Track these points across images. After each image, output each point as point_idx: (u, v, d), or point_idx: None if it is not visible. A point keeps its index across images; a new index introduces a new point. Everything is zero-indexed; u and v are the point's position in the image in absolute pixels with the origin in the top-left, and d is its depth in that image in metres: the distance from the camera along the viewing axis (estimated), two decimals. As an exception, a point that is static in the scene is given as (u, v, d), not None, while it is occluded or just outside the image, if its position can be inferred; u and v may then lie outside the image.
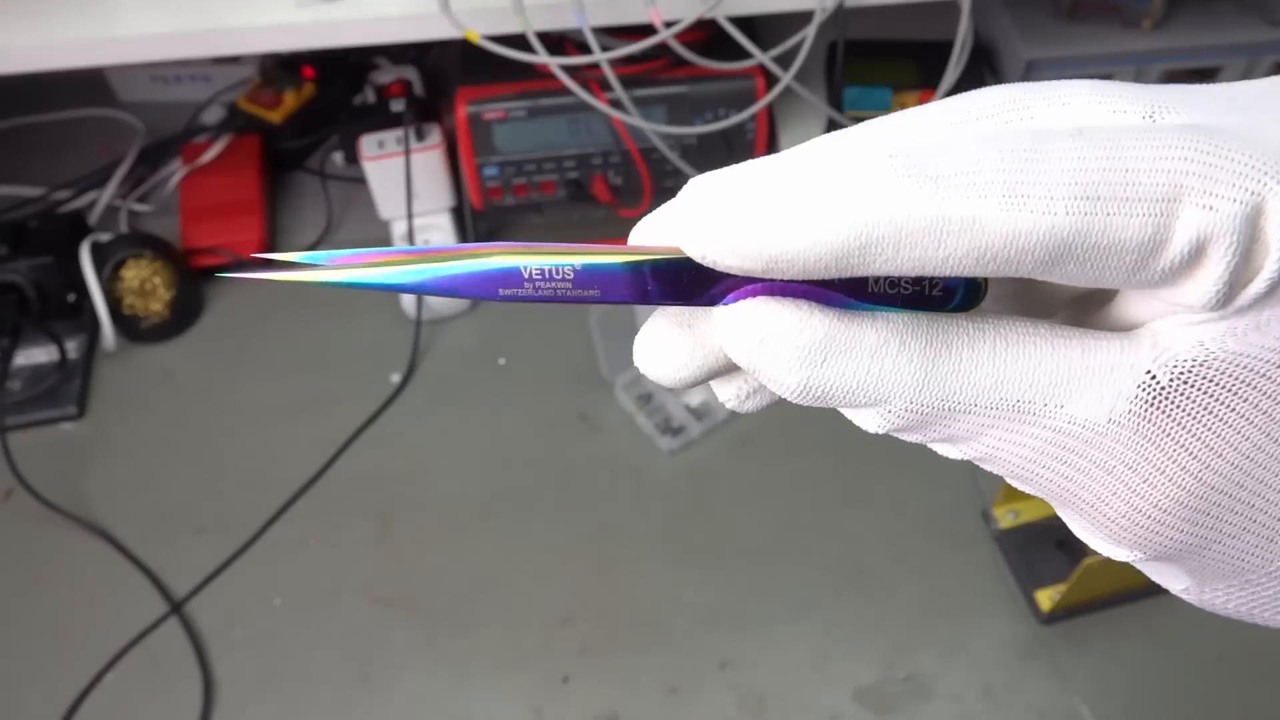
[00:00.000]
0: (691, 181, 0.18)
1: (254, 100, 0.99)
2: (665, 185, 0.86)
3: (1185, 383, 0.17)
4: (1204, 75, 0.87)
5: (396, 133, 0.88)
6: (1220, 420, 0.17)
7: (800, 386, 0.18)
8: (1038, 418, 0.18)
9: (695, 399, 0.82)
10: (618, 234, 0.90)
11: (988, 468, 0.19)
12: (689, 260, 0.18)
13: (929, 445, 0.20)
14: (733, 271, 0.17)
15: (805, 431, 0.80)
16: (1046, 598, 0.68)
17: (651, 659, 0.69)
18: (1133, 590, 0.69)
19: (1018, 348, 0.18)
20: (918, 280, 0.19)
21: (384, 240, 0.93)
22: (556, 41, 0.77)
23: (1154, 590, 0.70)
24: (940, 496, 0.75)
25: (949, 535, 0.74)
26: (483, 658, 0.69)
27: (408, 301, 0.88)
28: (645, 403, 0.82)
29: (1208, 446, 0.17)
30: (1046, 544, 0.72)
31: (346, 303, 0.90)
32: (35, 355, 0.85)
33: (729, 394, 0.21)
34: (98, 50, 0.74)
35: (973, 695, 0.66)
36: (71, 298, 0.87)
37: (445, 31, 0.72)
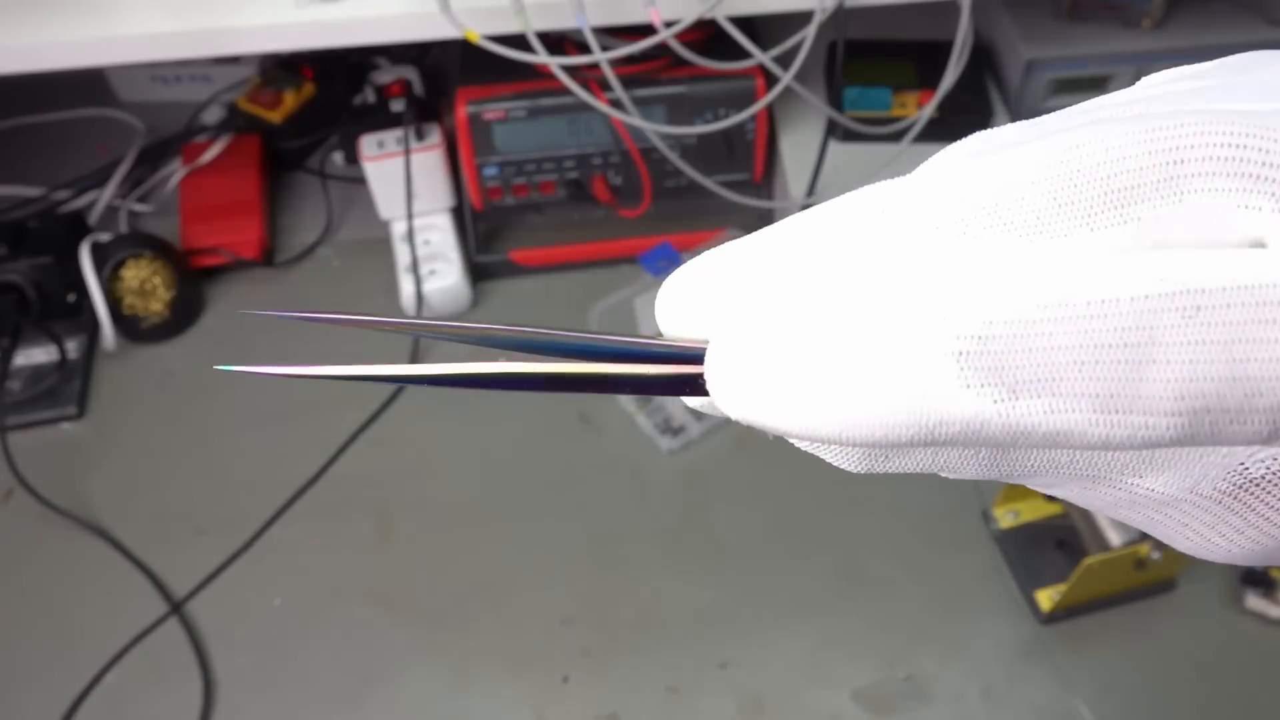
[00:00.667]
0: (725, 334, 0.16)
1: (254, 100, 0.99)
2: (665, 185, 0.86)
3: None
4: (1204, 75, 0.87)
5: (396, 133, 0.88)
6: None
7: (863, 458, 0.17)
8: (1113, 484, 0.17)
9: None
10: (618, 234, 0.90)
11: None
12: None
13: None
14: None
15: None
16: (1046, 598, 0.68)
17: (651, 659, 0.69)
18: (1133, 590, 0.69)
19: None
20: None
21: (383, 240, 0.93)
22: (556, 41, 0.77)
23: (1154, 590, 0.70)
24: (940, 497, 0.75)
25: (949, 536, 0.74)
26: (483, 658, 0.69)
27: (407, 300, 0.88)
28: (645, 403, 0.82)
29: None
30: (1046, 544, 0.72)
31: (347, 303, 0.90)
32: (35, 355, 0.85)
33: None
34: (98, 50, 0.74)
35: (973, 695, 0.66)
36: (71, 298, 0.87)
37: (445, 31, 0.72)
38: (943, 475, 0.18)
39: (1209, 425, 0.13)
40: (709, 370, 0.16)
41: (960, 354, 0.13)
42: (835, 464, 0.18)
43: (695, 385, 0.17)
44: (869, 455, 0.17)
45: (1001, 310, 0.13)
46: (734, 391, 0.15)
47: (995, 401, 0.13)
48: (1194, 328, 0.13)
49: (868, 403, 0.14)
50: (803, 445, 0.17)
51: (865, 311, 0.14)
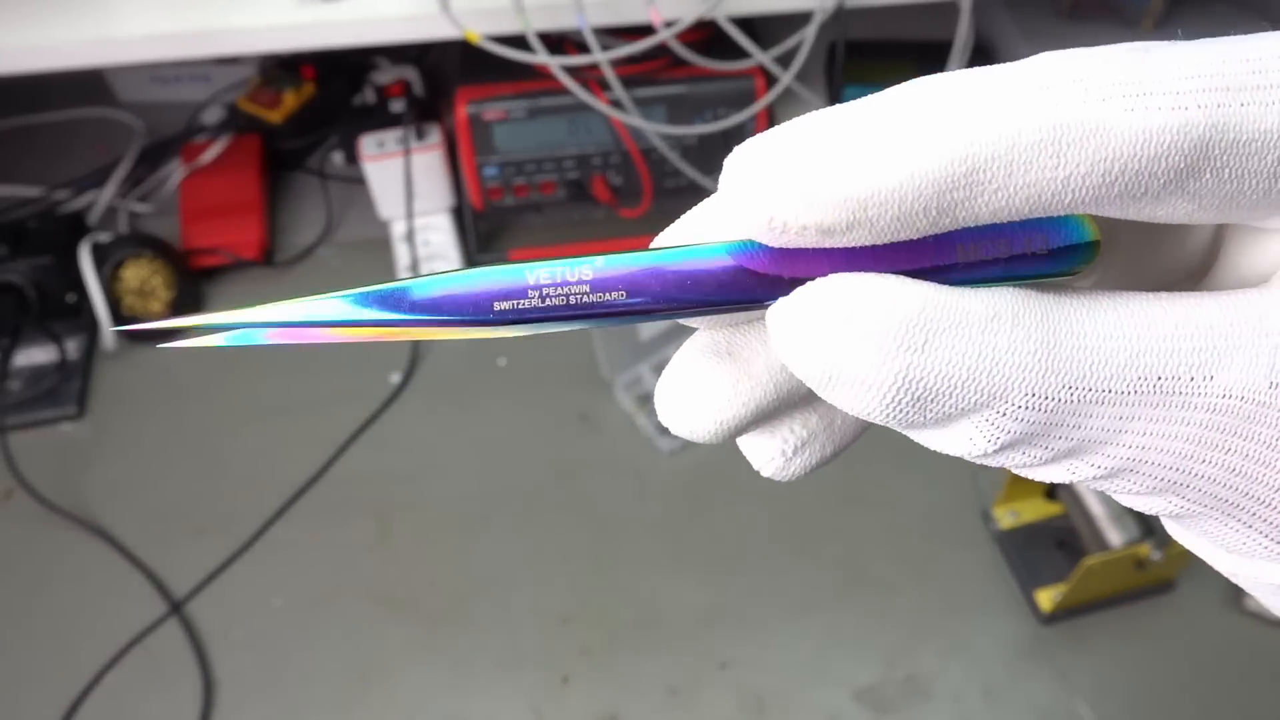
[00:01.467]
0: (737, 148, 0.14)
1: (254, 100, 0.99)
2: (665, 185, 0.86)
3: None
4: (1204, 75, 0.87)
5: (396, 133, 0.88)
6: None
7: (896, 382, 0.14)
8: (1187, 396, 0.14)
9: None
10: (617, 234, 0.90)
11: (1128, 486, 0.15)
12: (742, 245, 0.15)
13: (1048, 471, 0.16)
14: (802, 242, 0.14)
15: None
16: (1047, 598, 0.68)
17: (651, 659, 0.69)
18: (1133, 590, 0.69)
19: (1147, 313, 0.14)
20: (1016, 244, 0.16)
21: (383, 240, 0.93)
22: (556, 41, 0.77)
23: (1154, 590, 0.70)
24: (940, 496, 0.75)
25: (949, 535, 0.74)
26: (483, 658, 0.69)
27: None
28: (645, 403, 0.82)
29: None
30: (1046, 544, 0.72)
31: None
32: (35, 355, 0.85)
33: (771, 450, 0.17)
34: (98, 50, 0.74)
35: (973, 695, 0.66)
36: (71, 298, 0.87)
37: (445, 31, 0.72)
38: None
39: (1237, 106, 0.14)
40: (731, 175, 0.14)
41: (989, 70, 0.14)
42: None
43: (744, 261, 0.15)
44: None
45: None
46: (765, 176, 0.14)
47: (1031, 94, 0.13)
48: (1187, 44, 0.14)
49: (917, 129, 0.13)
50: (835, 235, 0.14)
51: (886, 92, 0.14)
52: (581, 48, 0.75)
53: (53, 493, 0.78)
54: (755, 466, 0.17)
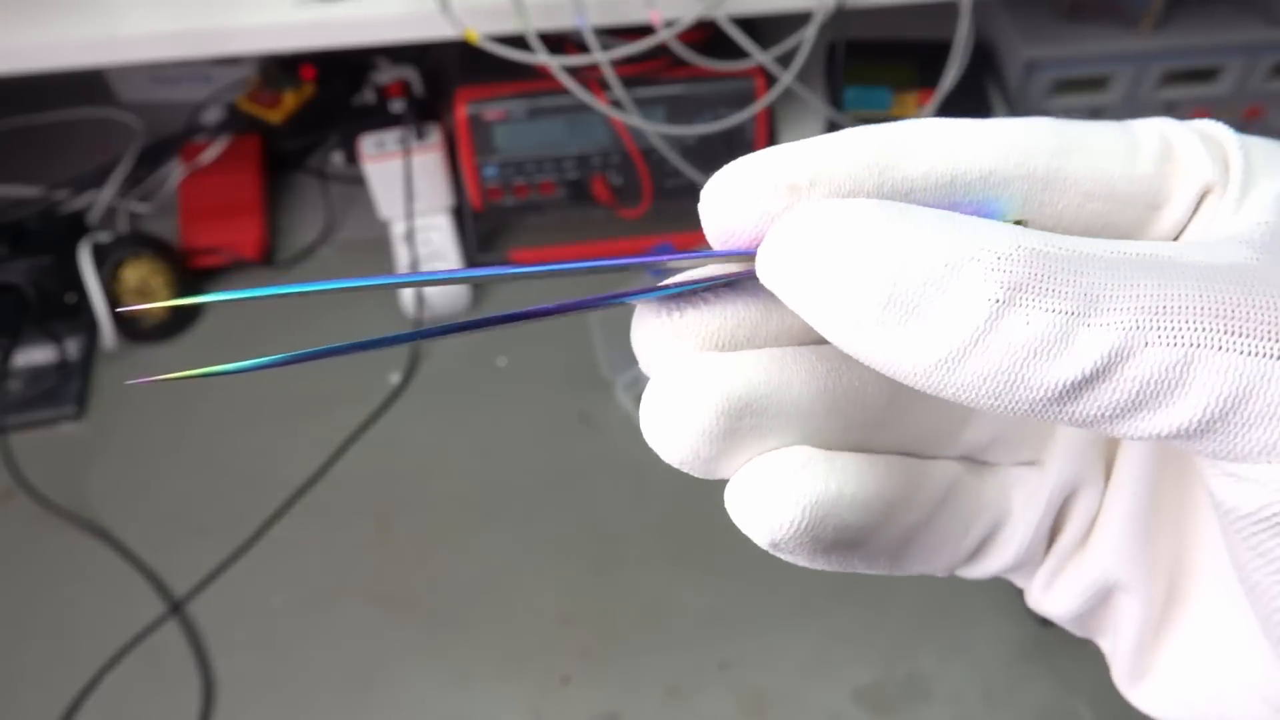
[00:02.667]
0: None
1: (254, 100, 0.99)
2: (665, 185, 0.86)
3: None
4: (1204, 75, 0.87)
5: (396, 133, 0.88)
6: None
7: (886, 258, 0.14)
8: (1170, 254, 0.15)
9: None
10: (618, 234, 0.90)
11: (1138, 339, 0.14)
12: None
13: (1066, 361, 0.14)
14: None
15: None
16: (1046, 598, 0.68)
17: (651, 659, 0.69)
18: (1133, 590, 0.69)
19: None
20: None
21: (383, 240, 0.93)
22: (556, 41, 0.77)
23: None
24: (940, 496, 0.75)
25: (949, 535, 0.74)
26: (483, 658, 0.69)
27: (407, 301, 0.88)
28: (645, 403, 0.82)
29: None
30: (1046, 544, 0.72)
31: (346, 303, 0.90)
32: (35, 355, 0.85)
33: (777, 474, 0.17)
34: (98, 50, 0.74)
35: (973, 695, 0.66)
36: (71, 298, 0.87)
37: (445, 31, 0.72)
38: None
39: None
40: (772, 252, 0.15)
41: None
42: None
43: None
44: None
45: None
46: (792, 274, 0.15)
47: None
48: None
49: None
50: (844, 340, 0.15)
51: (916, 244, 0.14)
52: (581, 48, 0.75)
53: (53, 493, 0.78)
54: (741, 517, 0.18)
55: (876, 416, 0.18)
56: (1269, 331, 0.13)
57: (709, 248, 0.17)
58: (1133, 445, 0.19)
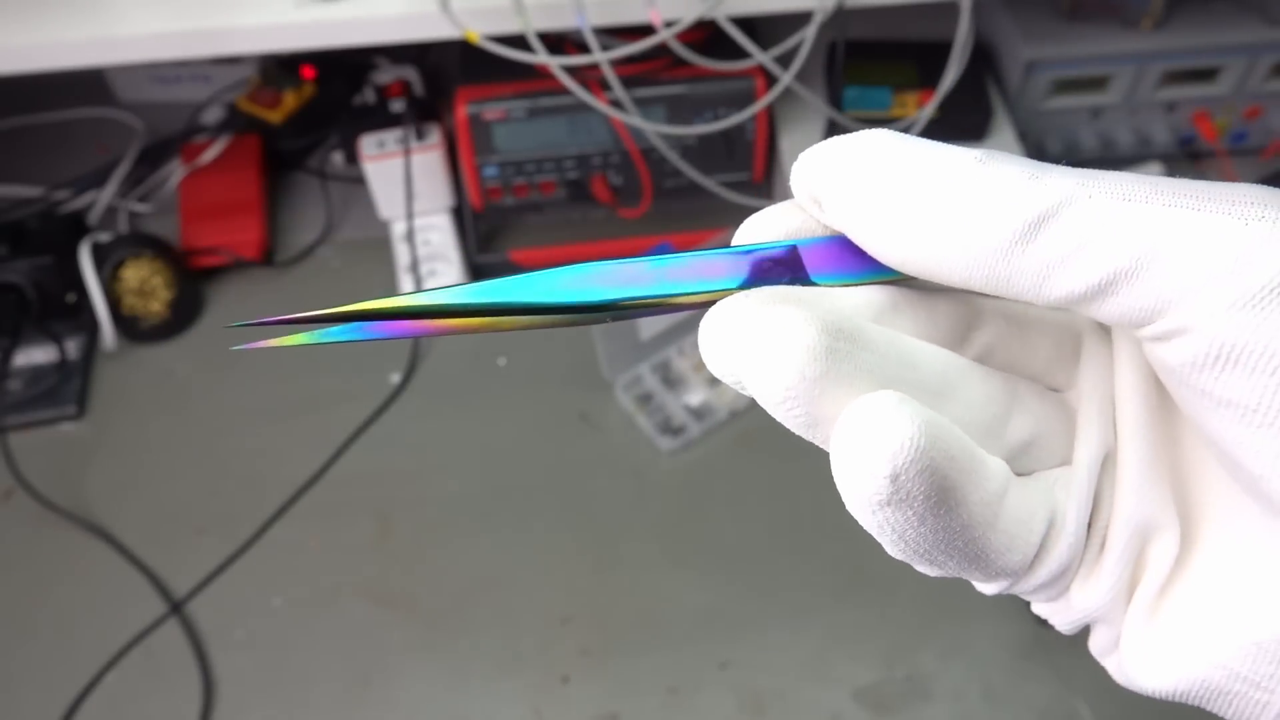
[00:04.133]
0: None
1: (254, 100, 0.99)
2: (665, 185, 0.86)
3: None
4: (1204, 75, 0.87)
5: (396, 133, 0.88)
6: None
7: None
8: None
9: (695, 399, 0.82)
10: (618, 234, 0.90)
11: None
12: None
13: (1077, 270, 0.17)
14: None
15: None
16: (1046, 598, 0.68)
17: (651, 659, 0.69)
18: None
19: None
20: None
21: (383, 240, 0.93)
22: (556, 41, 0.77)
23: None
24: (940, 496, 0.75)
25: (949, 535, 0.74)
26: (483, 658, 0.69)
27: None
28: (645, 403, 0.82)
29: None
30: (1046, 544, 0.72)
31: (347, 303, 0.90)
32: (35, 355, 0.85)
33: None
34: (98, 50, 0.74)
35: (973, 695, 0.66)
36: (71, 298, 0.87)
37: (445, 31, 0.72)
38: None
39: None
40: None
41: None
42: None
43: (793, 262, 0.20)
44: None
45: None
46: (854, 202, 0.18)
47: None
48: None
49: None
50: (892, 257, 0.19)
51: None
52: (581, 48, 0.75)
53: (53, 493, 0.78)
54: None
55: (939, 385, 0.19)
56: (1178, 191, 0.16)
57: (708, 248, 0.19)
58: (1129, 407, 0.21)
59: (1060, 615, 0.22)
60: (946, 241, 0.17)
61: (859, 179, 0.18)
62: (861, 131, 0.19)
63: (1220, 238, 0.16)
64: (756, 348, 0.17)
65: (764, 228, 0.20)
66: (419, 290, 0.18)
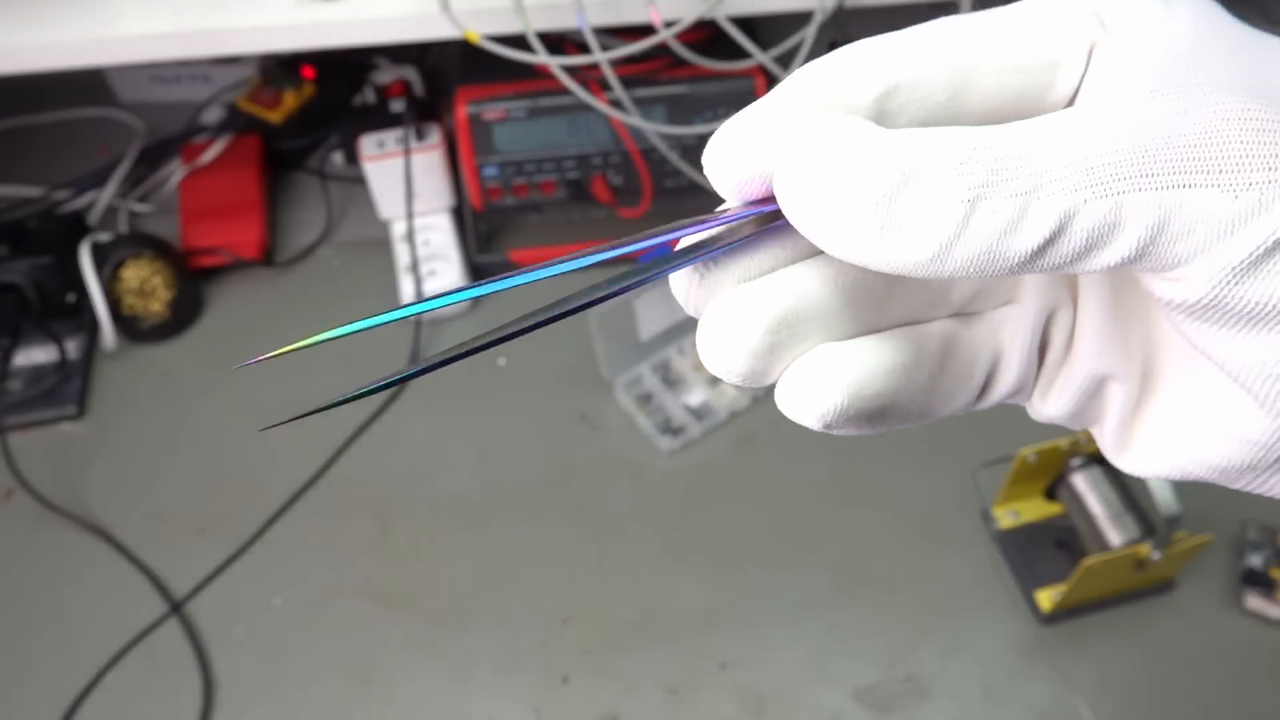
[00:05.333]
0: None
1: (254, 100, 0.99)
2: (665, 185, 0.86)
3: None
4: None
5: (396, 133, 0.88)
6: None
7: (869, 171, 0.17)
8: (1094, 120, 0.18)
9: (695, 399, 0.82)
10: (618, 234, 0.90)
11: (1092, 212, 0.17)
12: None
13: (1019, 238, 0.17)
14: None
15: (805, 431, 0.80)
16: (1046, 598, 0.68)
17: (651, 659, 0.69)
18: (1133, 590, 0.69)
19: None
20: None
21: (383, 240, 0.93)
22: (556, 41, 0.77)
23: (1154, 590, 0.70)
24: (940, 496, 0.75)
25: (949, 535, 0.74)
26: (483, 658, 0.69)
27: (407, 300, 0.87)
28: (645, 403, 0.82)
29: None
30: (1046, 544, 0.72)
31: (347, 303, 0.90)
32: (35, 355, 0.85)
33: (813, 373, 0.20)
34: (98, 50, 0.74)
35: (973, 695, 0.66)
36: (71, 298, 0.87)
37: (445, 31, 0.72)
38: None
39: None
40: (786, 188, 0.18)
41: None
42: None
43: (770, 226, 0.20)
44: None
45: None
46: (811, 206, 0.18)
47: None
48: None
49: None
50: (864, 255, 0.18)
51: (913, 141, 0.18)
52: (581, 48, 0.75)
53: (53, 493, 0.78)
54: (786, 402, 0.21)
55: (879, 301, 0.21)
56: (1172, 168, 0.17)
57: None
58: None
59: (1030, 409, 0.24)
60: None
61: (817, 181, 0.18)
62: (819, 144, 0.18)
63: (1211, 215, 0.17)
64: (714, 356, 0.20)
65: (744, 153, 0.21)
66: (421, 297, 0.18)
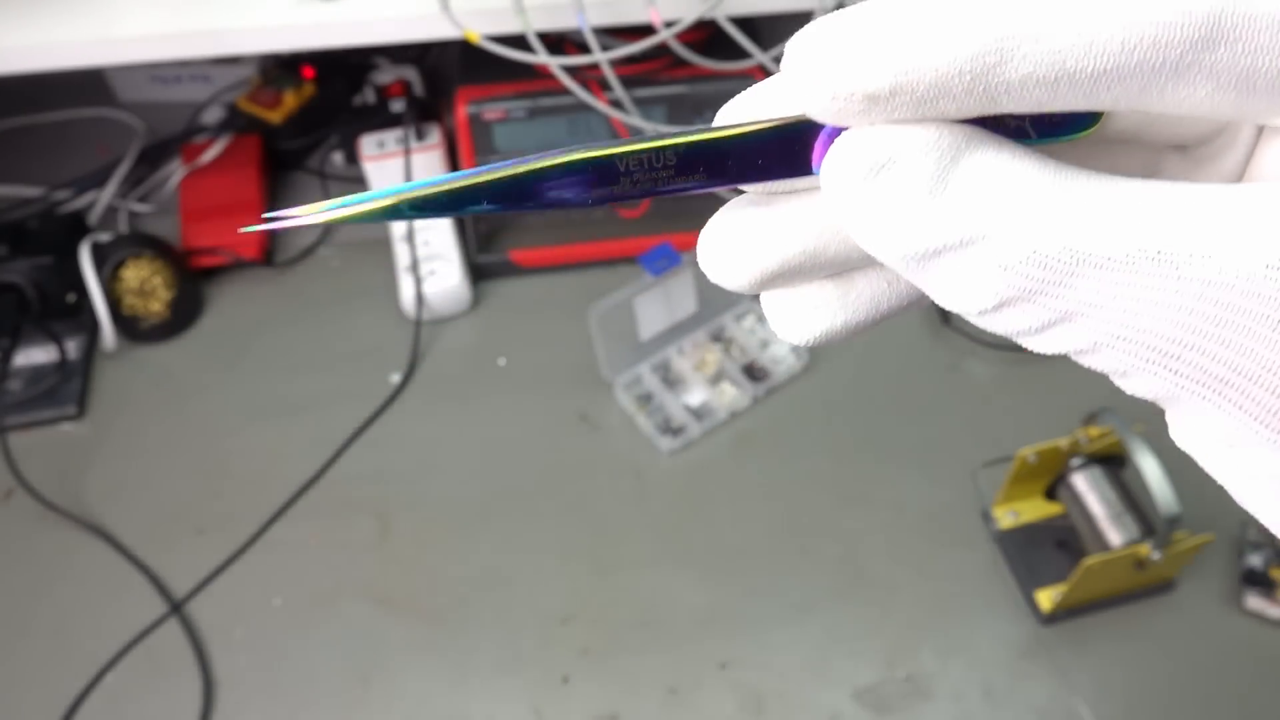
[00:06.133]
0: (799, 31, 0.16)
1: (254, 100, 0.99)
2: (665, 185, 0.86)
3: None
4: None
5: (396, 133, 0.88)
6: None
7: (924, 216, 0.16)
8: (1182, 269, 0.15)
9: (695, 399, 0.82)
10: (618, 234, 0.90)
11: (1120, 360, 0.16)
12: (804, 122, 0.17)
13: (1043, 340, 0.17)
14: (851, 111, 0.16)
15: (805, 431, 0.80)
16: (1046, 598, 0.68)
17: (651, 659, 0.69)
18: (1133, 590, 0.69)
19: (1154, 190, 0.15)
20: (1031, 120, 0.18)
21: (383, 240, 0.93)
22: (556, 41, 0.77)
23: (1154, 590, 0.70)
24: (940, 496, 0.75)
25: (949, 535, 0.74)
26: (483, 658, 0.69)
27: (407, 301, 0.88)
28: (645, 403, 0.82)
29: None
30: (1046, 544, 0.72)
31: (347, 303, 0.90)
32: (35, 355, 0.85)
33: (798, 309, 0.19)
34: (98, 50, 0.74)
35: (973, 695, 0.66)
36: (71, 298, 0.87)
37: (445, 31, 0.72)
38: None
39: None
40: (793, 54, 0.16)
41: None
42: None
43: (800, 140, 0.17)
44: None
45: None
46: (820, 59, 0.16)
47: None
48: None
49: (953, 7, 0.15)
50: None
51: None
52: (581, 48, 0.75)
53: (53, 493, 0.78)
54: (772, 324, 0.20)
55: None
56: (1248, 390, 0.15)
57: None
58: None
59: None
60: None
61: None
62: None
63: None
64: (713, 274, 0.19)
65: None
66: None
